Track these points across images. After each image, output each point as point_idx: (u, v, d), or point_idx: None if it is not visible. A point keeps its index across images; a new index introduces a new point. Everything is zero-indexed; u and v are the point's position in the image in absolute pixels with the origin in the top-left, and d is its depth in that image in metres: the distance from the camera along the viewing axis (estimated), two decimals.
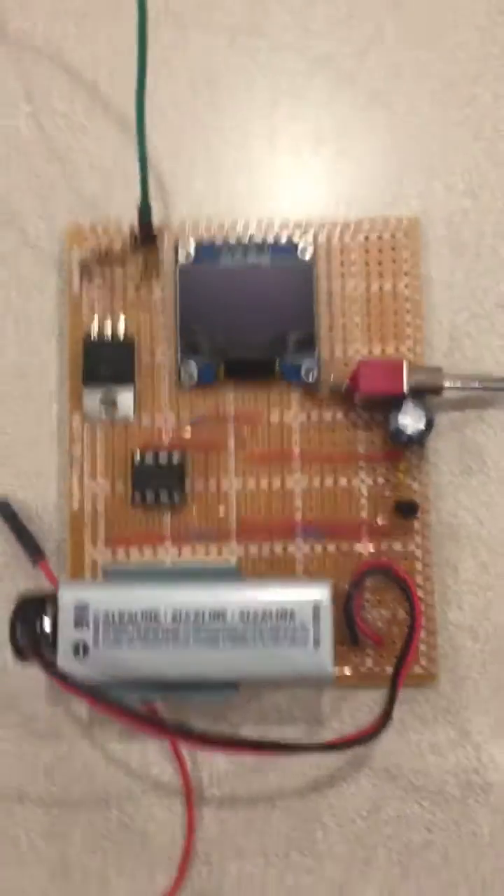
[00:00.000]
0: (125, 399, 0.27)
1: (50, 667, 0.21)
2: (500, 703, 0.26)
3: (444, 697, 0.26)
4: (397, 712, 0.25)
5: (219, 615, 0.22)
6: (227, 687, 0.23)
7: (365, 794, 0.26)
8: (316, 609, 0.22)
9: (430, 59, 0.28)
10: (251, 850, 0.26)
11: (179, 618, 0.22)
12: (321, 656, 0.22)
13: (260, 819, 0.26)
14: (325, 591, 0.22)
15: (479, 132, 0.28)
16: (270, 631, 0.22)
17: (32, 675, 0.26)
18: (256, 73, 0.28)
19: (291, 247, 0.27)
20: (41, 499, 0.27)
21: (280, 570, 0.26)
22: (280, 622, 0.22)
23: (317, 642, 0.22)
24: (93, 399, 0.27)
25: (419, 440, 0.26)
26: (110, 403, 0.27)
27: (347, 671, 0.26)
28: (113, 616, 0.22)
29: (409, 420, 0.25)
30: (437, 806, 0.26)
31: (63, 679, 0.21)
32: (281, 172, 0.28)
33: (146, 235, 0.26)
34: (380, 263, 0.27)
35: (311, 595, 0.22)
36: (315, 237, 0.27)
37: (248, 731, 0.26)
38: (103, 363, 0.27)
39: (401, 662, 0.25)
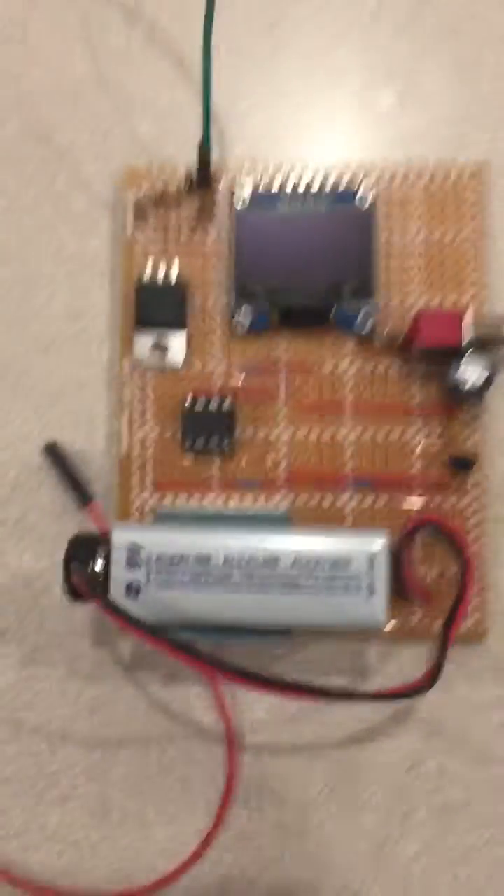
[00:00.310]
0: (177, 344, 0.26)
1: (109, 604, 0.20)
2: None
3: (491, 656, 0.26)
4: (444, 668, 0.25)
5: (272, 562, 0.22)
6: (280, 633, 0.22)
7: (407, 748, 0.26)
8: (371, 558, 0.22)
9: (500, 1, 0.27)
10: (290, 798, 0.26)
11: (232, 563, 0.22)
12: (375, 605, 0.22)
13: (300, 768, 0.26)
14: (382, 542, 0.22)
15: None
16: (325, 579, 0.22)
17: (78, 617, 0.26)
18: (320, 11, 0.27)
19: (350, 194, 0.26)
20: (91, 443, 0.27)
21: (328, 521, 0.26)
22: (335, 570, 0.22)
23: (371, 591, 0.22)
24: (144, 344, 0.26)
25: (478, 394, 0.25)
26: (162, 349, 0.26)
27: (395, 625, 0.26)
28: (165, 558, 0.22)
29: (469, 373, 0.25)
30: (480, 764, 0.26)
31: (123, 616, 0.20)
32: (343, 115, 0.27)
33: (203, 178, 0.26)
34: (442, 210, 0.27)
35: (368, 544, 0.22)
36: (376, 183, 0.26)
37: None
38: (156, 307, 0.26)
39: (451, 618, 0.25)
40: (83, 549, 0.22)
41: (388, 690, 0.23)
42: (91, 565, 0.22)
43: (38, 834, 0.26)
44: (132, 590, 0.22)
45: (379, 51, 0.27)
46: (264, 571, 0.22)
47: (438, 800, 0.26)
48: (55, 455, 0.26)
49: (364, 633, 0.25)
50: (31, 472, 0.27)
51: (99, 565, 0.22)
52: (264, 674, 0.20)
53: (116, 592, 0.22)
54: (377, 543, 0.22)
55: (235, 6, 0.27)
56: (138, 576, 0.22)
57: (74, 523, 0.26)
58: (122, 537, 0.22)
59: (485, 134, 0.27)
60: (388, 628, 0.25)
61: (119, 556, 0.22)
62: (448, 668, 0.25)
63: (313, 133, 0.27)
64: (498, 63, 0.27)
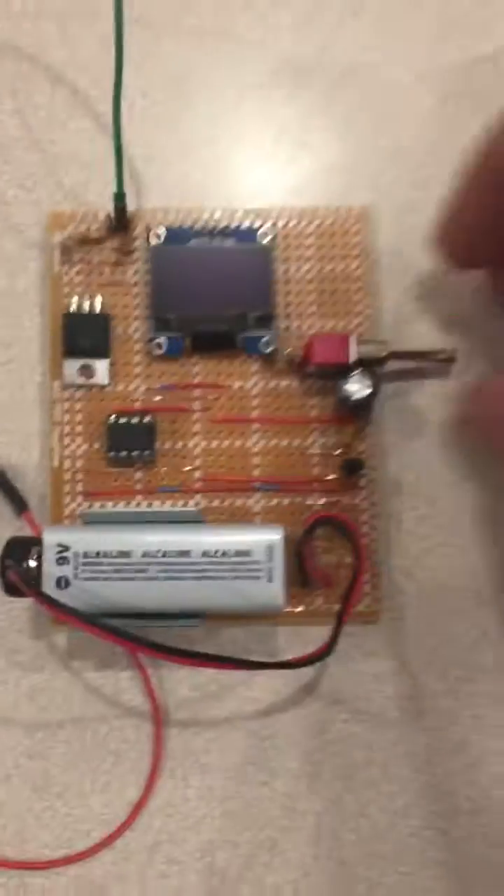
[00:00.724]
0: (102, 368, 0.30)
1: (42, 595, 0.23)
2: (435, 638, 0.29)
3: (385, 633, 0.29)
4: (344, 645, 0.28)
5: (184, 553, 0.25)
6: (194, 616, 0.26)
7: (314, 716, 0.29)
8: (269, 548, 0.25)
9: (383, 60, 0.31)
10: (212, 766, 0.29)
11: (149, 556, 0.25)
12: (274, 590, 0.25)
13: (221, 738, 0.29)
14: (279, 534, 0.25)
15: (424, 135, 0.31)
16: (230, 568, 0.25)
17: (15, 614, 0.29)
18: (223, 72, 0.31)
19: (253, 232, 0.30)
20: (26, 458, 0.30)
21: (240, 520, 0.29)
22: (238, 560, 0.25)
23: (270, 578, 0.25)
24: (72, 368, 0.30)
25: (364, 406, 0.29)
26: (89, 372, 0.29)
27: (300, 609, 0.29)
28: (90, 554, 0.25)
29: (355, 387, 0.28)
30: (378, 727, 0.29)
31: (54, 604, 0.23)
32: (246, 163, 0.31)
33: (120, 221, 0.29)
34: (333, 247, 0.30)
35: (266, 536, 0.25)
36: (275, 223, 0.30)
37: None
38: (82, 336, 0.29)
39: (346, 599, 0.28)
40: (18, 550, 0.25)
41: (292, 659, 0.26)
42: (25, 564, 0.25)
43: None
44: (62, 583, 0.25)
45: (276, 107, 0.31)
46: (177, 563, 0.25)
47: (342, 761, 0.29)
48: None
49: (266, 615, 0.28)
50: None
51: (33, 563, 0.25)
52: (181, 647, 0.23)
53: (48, 586, 0.25)
54: (275, 536, 0.25)
55: (145, 65, 0.31)
56: (66, 571, 0.25)
57: (11, 530, 0.29)
58: (51, 538, 0.25)
59: (369, 180, 0.31)
60: (290, 610, 0.29)
61: (49, 555, 0.25)
62: (347, 645, 0.29)
63: (220, 178, 0.31)
64: (378, 117, 0.31)
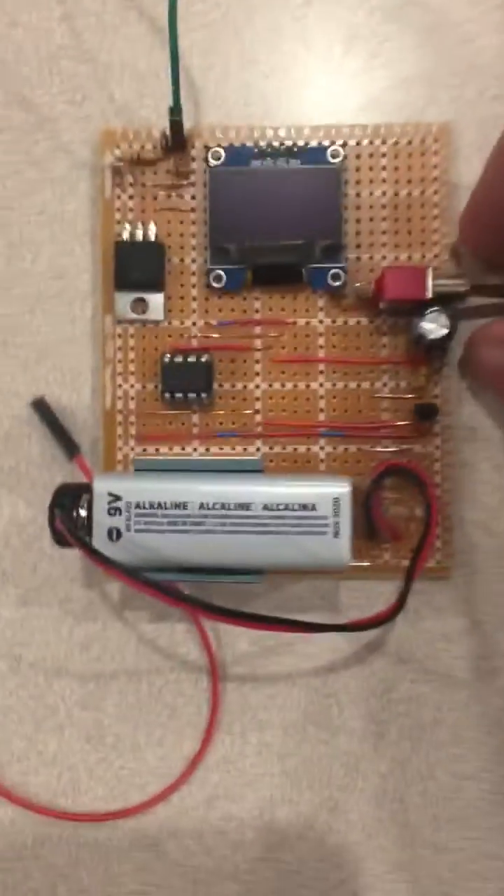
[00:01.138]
0: (156, 302, 0.27)
1: (87, 548, 0.22)
2: None
3: (457, 590, 0.27)
4: (412, 603, 0.26)
5: (244, 506, 0.23)
6: (253, 573, 0.24)
7: (379, 675, 0.27)
8: (336, 502, 0.23)
9: None
10: (271, 723, 0.27)
11: (206, 508, 0.23)
12: (340, 546, 0.23)
13: (280, 695, 0.27)
14: (346, 487, 0.23)
15: None
16: (293, 521, 0.23)
17: (68, 562, 0.28)
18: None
19: (321, 151, 0.27)
20: (76, 397, 0.28)
21: (303, 468, 0.27)
22: (302, 514, 0.23)
23: (336, 533, 0.23)
24: (124, 302, 0.27)
25: (441, 346, 0.26)
26: (142, 306, 0.27)
27: (367, 563, 0.27)
28: (143, 505, 0.23)
29: (432, 326, 0.26)
30: (448, 688, 0.27)
31: (100, 558, 0.22)
32: (313, 75, 0.28)
33: (177, 139, 0.26)
34: (409, 169, 0.27)
35: (332, 489, 0.23)
36: (345, 142, 0.27)
37: None
38: (134, 267, 0.27)
39: (417, 555, 0.26)
40: (68, 498, 0.24)
41: (355, 621, 0.25)
42: (76, 512, 0.24)
43: (37, 759, 0.28)
44: (113, 534, 0.23)
45: (344, 18, 0.28)
46: (236, 516, 0.23)
47: (409, 721, 0.27)
48: (42, 409, 0.28)
49: (330, 571, 0.26)
50: (21, 425, 0.28)
51: (83, 512, 0.24)
52: (233, 608, 0.21)
53: (99, 537, 0.23)
54: (342, 489, 0.23)
55: None
56: (118, 522, 0.23)
57: (63, 474, 0.28)
58: (102, 486, 0.23)
59: (449, 94, 0.28)
60: (357, 564, 0.27)
61: (100, 504, 0.23)
62: (416, 603, 0.27)
63: (285, 92, 0.28)
64: (461, 27, 0.28)
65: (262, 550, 0.23)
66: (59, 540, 0.24)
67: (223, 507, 0.23)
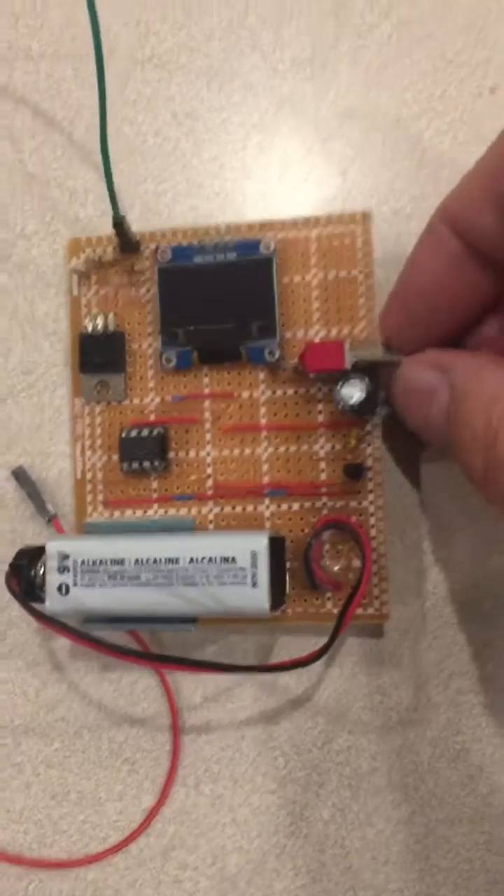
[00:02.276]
0: (117, 383, 0.31)
1: (26, 605, 0.25)
2: (440, 650, 0.29)
3: (391, 643, 0.29)
4: (350, 659, 0.28)
5: (173, 560, 0.26)
6: (186, 621, 0.26)
7: (320, 727, 0.29)
8: (254, 554, 0.25)
9: (379, 100, 0.31)
10: (223, 775, 0.29)
11: (141, 563, 0.26)
12: (259, 595, 0.25)
13: (230, 748, 0.29)
14: (263, 539, 0.26)
15: (421, 163, 0.30)
16: (216, 573, 0.25)
17: (36, 626, 0.31)
18: (230, 109, 0.32)
19: (254, 244, 0.30)
20: (56, 472, 0.31)
21: (250, 525, 0.30)
22: (223, 566, 0.25)
23: (255, 583, 0.25)
24: (90, 384, 0.31)
25: (364, 410, 0.28)
26: (105, 388, 0.31)
27: (308, 613, 0.29)
28: (87, 562, 0.26)
29: (350, 391, 0.28)
30: (382, 738, 0.29)
31: (39, 617, 0.25)
32: (251, 199, 0.31)
33: (125, 243, 0.30)
34: (336, 254, 0.30)
35: (250, 543, 0.25)
36: (275, 234, 0.30)
37: None
38: (97, 354, 0.31)
39: (349, 601, 0.28)
40: (26, 559, 0.27)
41: (275, 664, 0.27)
42: (33, 571, 0.27)
43: (5, 816, 0.30)
44: (62, 589, 0.26)
45: (279, 148, 0.31)
46: (166, 569, 0.26)
47: (348, 770, 0.29)
48: (23, 478, 0.31)
49: (254, 619, 0.28)
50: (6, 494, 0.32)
51: (41, 571, 0.27)
52: (161, 653, 0.24)
53: (51, 593, 0.26)
54: (259, 542, 0.25)
55: (156, 101, 0.32)
56: (67, 578, 0.26)
57: (44, 536, 0.31)
58: (53, 547, 0.26)
59: (359, 178, 0.30)
60: (301, 611, 0.29)
61: (52, 563, 0.26)
62: (353, 659, 0.29)
63: (214, 193, 0.31)
64: (376, 161, 0.31)
65: (189, 600, 0.26)
66: (19, 599, 0.27)
67: (155, 561, 0.26)
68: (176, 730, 0.29)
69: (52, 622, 0.24)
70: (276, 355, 0.30)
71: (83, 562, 0.26)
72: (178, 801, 0.29)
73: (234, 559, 0.25)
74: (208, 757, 0.29)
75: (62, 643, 0.30)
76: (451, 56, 0.30)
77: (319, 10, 0.31)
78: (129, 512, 0.30)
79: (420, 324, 0.26)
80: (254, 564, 0.25)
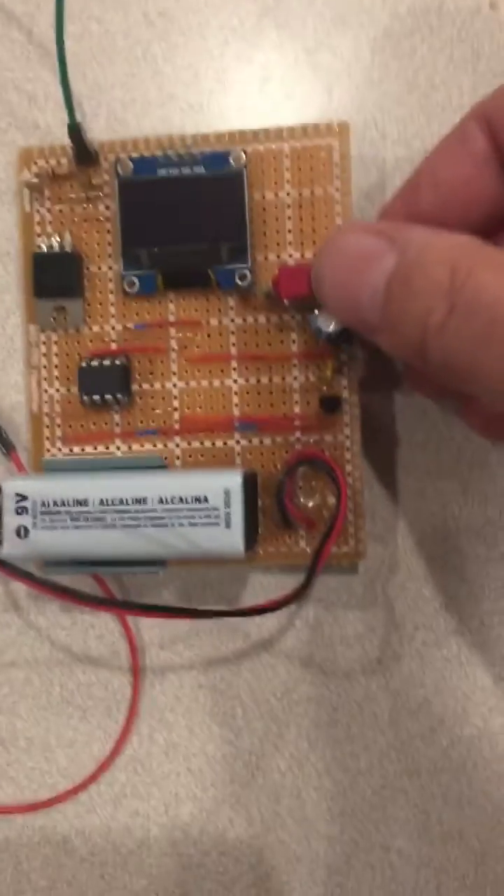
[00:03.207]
0: (75, 309, 0.28)
1: None
2: (406, 601, 0.28)
3: (362, 587, 0.28)
4: (313, 609, 0.28)
5: (140, 500, 0.24)
6: (155, 563, 0.25)
7: (281, 677, 0.28)
8: (227, 493, 0.24)
9: (371, 7, 0.28)
10: (178, 723, 0.28)
11: (106, 504, 0.24)
12: (233, 536, 0.24)
13: (185, 696, 0.28)
14: (237, 478, 0.24)
15: (412, 84, 0.28)
16: (187, 514, 0.24)
17: None
18: (208, 12, 0.29)
19: (223, 156, 0.28)
20: (10, 403, 0.29)
21: (220, 462, 0.28)
22: (195, 506, 0.24)
23: (228, 524, 0.24)
24: (46, 310, 0.28)
25: (339, 340, 0.26)
26: (62, 314, 0.28)
27: (282, 551, 0.28)
28: (48, 503, 0.24)
29: (326, 319, 0.26)
30: (344, 689, 0.28)
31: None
32: (227, 111, 0.29)
33: (81, 154, 0.27)
34: (311, 169, 0.28)
35: (223, 481, 0.24)
36: (247, 147, 0.28)
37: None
38: (53, 276, 0.28)
39: (324, 539, 0.26)
40: None
41: (253, 607, 0.25)
42: None
43: None
44: (21, 532, 0.24)
45: (257, 58, 0.28)
46: (133, 510, 0.24)
47: (305, 722, 0.28)
48: None
49: (227, 561, 0.27)
50: None
51: None
52: (130, 600, 0.22)
53: (8, 536, 0.24)
54: (232, 480, 0.24)
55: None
56: (25, 521, 0.24)
57: (2, 470, 0.29)
58: (10, 487, 0.24)
59: (346, 97, 0.28)
60: (274, 550, 0.27)
61: (9, 504, 0.24)
62: (317, 608, 0.28)
63: (188, 106, 0.29)
64: (367, 71, 0.28)
65: (159, 543, 0.24)
66: None
67: (121, 502, 0.24)
68: (137, 677, 0.28)
69: (9, 568, 0.22)
70: (248, 280, 0.28)
71: (43, 503, 0.24)
72: (131, 749, 0.29)
73: (205, 498, 0.24)
74: (163, 706, 0.28)
75: (13, 584, 0.29)
76: None
77: None
78: (89, 448, 0.28)
79: (427, 219, 0.23)
80: (227, 504, 0.24)
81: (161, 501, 0.24)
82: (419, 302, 0.19)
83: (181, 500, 0.24)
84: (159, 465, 0.25)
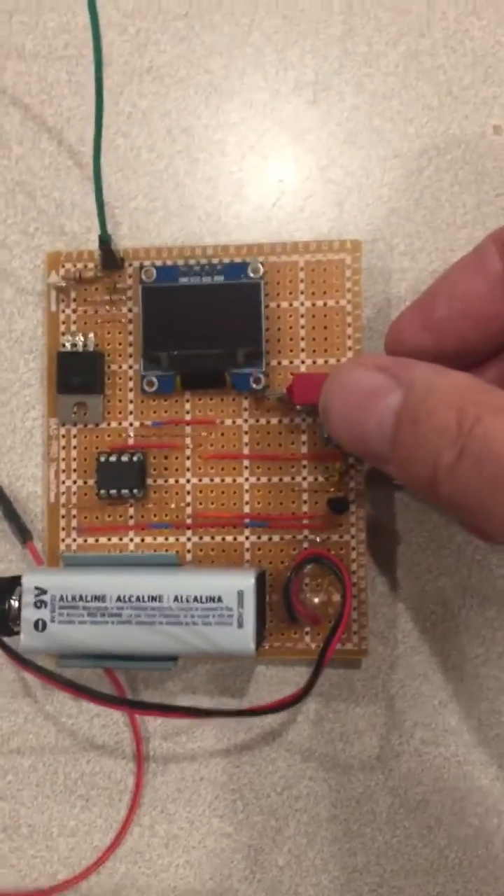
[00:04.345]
0: (95, 405, 0.30)
1: (2, 646, 0.24)
2: (406, 698, 0.29)
3: (364, 683, 0.29)
4: (315, 704, 0.28)
5: (156, 598, 0.25)
6: (167, 659, 0.25)
7: (281, 772, 0.29)
8: (240, 594, 0.25)
9: (382, 129, 0.30)
10: (179, 816, 0.29)
11: (123, 600, 0.25)
12: (244, 636, 0.24)
13: (188, 789, 0.29)
14: (250, 579, 0.25)
15: (419, 202, 0.30)
16: (201, 613, 0.25)
17: None
18: (228, 129, 0.30)
19: (242, 267, 0.29)
20: (25, 492, 0.30)
21: (230, 557, 0.29)
22: (209, 605, 0.25)
23: (240, 623, 0.24)
24: (67, 405, 0.30)
25: None
26: (83, 409, 0.29)
27: (285, 647, 0.28)
28: (66, 598, 0.25)
29: None
30: (343, 787, 0.28)
31: (13, 655, 0.23)
32: (245, 223, 0.30)
33: (108, 260, 0.29)
34: (324, 282, 0.29)
35: (236, 582, 0.25)
36: (265, 258, 0.29)
37: (193, 699, 0.29)
38: (75, 373, 0.29)
39: (330, 636, 0.27)
40: (2, 590, 0.26)
41: (258, 707, 0.26)
42: (7, 604, 0.25)
43: None
44: (39, 626, 0.25)
45: (272, 176, 0.30)
46: (149, 607, 0.25)
47: (304, 817, 0.29)
48: None
49: (239, 658, 0.27)
50: None
51: (15, 603, 0.26)
52: (142, 700, 0.23)
53: (26, 628, 0.25)
54: (245, 581, 0.25)
55: (152, 115, 0.30)
56: (44, 614, 0.25)
57: (18, 558, 0.30)
58: (30, 580, 0.25)
59: (356, 211, 0.30)
60: (278, 645, 0.28)
61: (28, 598, 0.25)
62: (319, 704, 0.28)
63: (206, 215, 0.30)
64: (376, 189, 0.30)
65: (173, 640, 0.25)
66: None
67: (138, 599, 0.25)
68: (140, 767, 0.28)
69: (26, 663, 0.23)
70: (262, 383, 0.29)
71: (62, 597, 0.25)
72: (131, 840, 0.29)
73: (219, 598, 0.25)
74: (164, 797, 0.29)
75: (22, 672, 0.29)
76: (457, 91, 0.30)
77: (327, 33, 0.30)
78: (104, 539, 0.29)
79: (439, 328, 0.24)
80: (240, 604, 0.24)
81: (176, 600, 0.25)
82: (428, 444, 0.20)
83: (196, 598, 0.25)
84: (174, 562, 0.26)
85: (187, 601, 0.25)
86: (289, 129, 0.30)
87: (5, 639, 0.25)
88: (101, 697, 0.23)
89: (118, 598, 0.25)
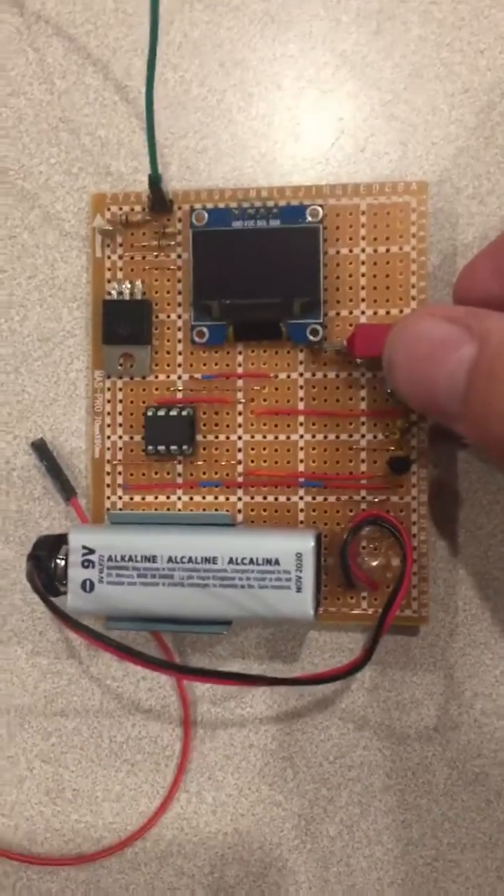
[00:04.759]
0: (142, 357, 0.28)
1: (51, 606, 0.22)
2: (466, 668, 0.27)
3: (421, 651, 0.27)
4: (371, 672, 0.27)
5: (210, 560, 0.23)
6: (220, 623, 0.24)
7: (334, 740, 0.28)
8: (299, 557, 0.23)
9: (451, 62, 0.28)
10: (227, 783, 0.28)
11: (175, 560, 0.24)
12: (303, 601, 0.23)
13: (237, 755, 0.28)
14: (310, 542, 0.23)
15: (489, 140, 0.28)
16: (257, 576, 0.23)
17: (39, 614, 0.28)
18: (284, 62, 0.28)
19: (300, 210, 0.27)
20: (73, 448, 0.29)
21: (282, 518, 0.27)
22: (266, 568, 0.23)
23: (299, 588, 0.23)
24: (113, 356, 0.28)
25: None
26: (129, 363, 0.28)
27: (342, 612, 0.27)
28: (115, 558, 0.24)
29: None
30: (399, 756, 0.27)
31: (61, 617, 0.22)
32: (300, 164, 0.28)
33: (158, 202, 0.27)
34: (387, 226, 0.27)
35: (295, 544, 0.23)
36: (324, 201, 0.27)
37: (243, 665, 0.27)
38: (122, 323, 0.28)
39: (389, 604, 0.26)
40: (47, 548, 0.24)
41: (312, 675, 0.25)
42: (53, 563, 0.24)
43: None
44: (86, 586, 0.24)
45: (334, 111, 0.28)
46: (203, 569, 0.23)
47: (358, 787, 0.27)
48: (42, 451, 0.28)
49: (294, 625, 0.26)
50: (26, 468, 0.29)
51: (61, 562, 0.24)
52: (192, 665, 0.22)
53: (73, 589, 0.24)
54: (305, 543, 0.23)
55: (204, 46, 0.28)
56: (91, 574, 0.24)
57: (61, 514, 0.28)
58: (77, 539, 0.24)
59: (421, 151, 0.28)
60: (333, 611, 0.27)
61: (75, 557, 0.24)
62: (375, 671, 0.27)
63: (261, 155, 0.28)
64: (443, 126, 0.28)
65: (227, 603, 0.23)
66: (37, 591, 0.24)
67: (191, 560, 0.24)
68: (187, 733, 0.27)
69: (75, 625, 0.22)
70: (320, 335, 0.27)
71: (111, 557, 0.24)
72: (178, 806, 0.28)
73: (277, 561, 0.23)
74: (212, 763, 0.28)
75: (67, 632, 0.28)
76: None
77: None
78: (150, 497, 0.28)
79: None
80: (298, 568, 0.23)
81: (231, 562, 0.23)
82: None
83: (252, 561, 0.23)
84: (227, 522, 0.25)
85: (243, 563, 0.23)
86: (350, 61, 0.28)
87: (47, 599, 0.23)
88: (153, 662, 0.22)
89: (170, 559, 0.24)
